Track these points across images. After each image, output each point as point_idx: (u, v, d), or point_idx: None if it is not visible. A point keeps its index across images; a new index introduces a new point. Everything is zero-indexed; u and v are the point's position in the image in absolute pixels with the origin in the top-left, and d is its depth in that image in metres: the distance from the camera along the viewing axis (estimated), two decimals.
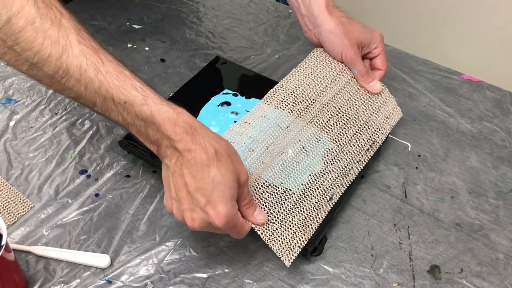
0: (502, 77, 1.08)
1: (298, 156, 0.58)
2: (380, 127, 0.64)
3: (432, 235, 0.57)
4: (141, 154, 0.61)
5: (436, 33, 1.27)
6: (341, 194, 0.58)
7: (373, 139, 0.63)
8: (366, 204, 0.61)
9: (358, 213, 0.60)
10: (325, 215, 0.56)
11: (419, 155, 0.66)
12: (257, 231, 0.51)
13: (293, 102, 0.60)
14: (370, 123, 0.64)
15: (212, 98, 0.69)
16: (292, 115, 0.60)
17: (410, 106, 0.73)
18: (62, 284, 0.53)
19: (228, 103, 0.68)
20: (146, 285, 0.53)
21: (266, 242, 0.51)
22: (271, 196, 0.54)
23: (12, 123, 0.71)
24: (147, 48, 0.84)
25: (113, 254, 0.56)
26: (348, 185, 0.59)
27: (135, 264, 0.55)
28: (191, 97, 0.69)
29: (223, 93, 0.69)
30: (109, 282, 0.53)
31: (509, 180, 0.63)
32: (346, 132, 0.61)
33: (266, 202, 0.53)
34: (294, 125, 0.59)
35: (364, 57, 0.67)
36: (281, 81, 0.63)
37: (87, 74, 0.43)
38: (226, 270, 0.54)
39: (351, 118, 0.63)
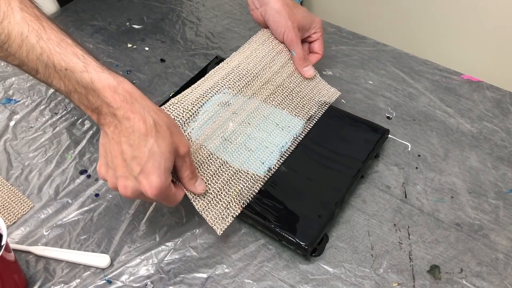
0: (502, 77, 1.08)
1: (238, 129, 0.61)
2: (316, 103, 0.68)
3: (432, 235, 0.57)
4: None
5: (436, 33, 1.26)
6: (279, 164, 0.60)
7: (310, 114, 0.66)
8: (366, 204, 0.61)
9: (358, 213, 0.60)
10: (262, 185, 0.58)
11: (419, 155, 0.66)
12: (192, 202, 0.53)
13: (234, 79, 0.63)
14: (305, 100, 0.67)
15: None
16: (233, 91, 0.62)
17: (410, 106, 0.73)
18: (62, 284, 0.53)
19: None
20: (146, 285, 0.53)
21: (199, 212, 0.53)
22: (210, 168, 0.56)
23: (12, 123, 0.71)
24: (147, 48, 0.84)
25: (113, 254, 0.56)
26: (286, 156, 0.61)
27: (135, 264, 0.55)
28: None
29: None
30: (109, 282, 0.53)
31: (509, 180, 0.63)
32: (283, 105, 0.65)
33: (204, 173, 0.55)
34: (235, 100, 0.62)
35: (304, 41, 0.71)
36: (225, 60, 0.66)
37: (29, 40, 0.44)
38: (226, 270, 0.54)
39: (289, 95, 0.67)
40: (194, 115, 0.57)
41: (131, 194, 0.48)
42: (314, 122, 0.66)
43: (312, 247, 0.53)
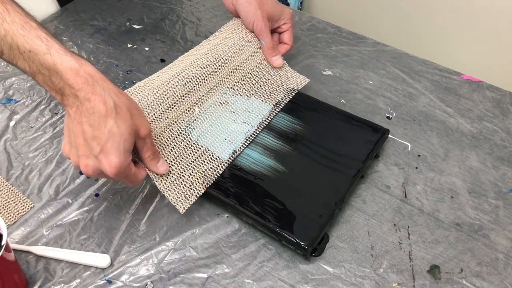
0: (502, 77, 1.08)
1: (204, 113, 0.62)
2: (284, 90, 0.69)
3: (432, 235, 0.57)
4: None
5: (436, 33, 1.27)
6: (244, 147, 0.62)
7: (277, 100, 0.68)
8: (366, 204, 0.61)
9: (358, 213, 0.60)
10: (226, 166, 0.59)
11: (419, 155, 0.66)
12: (155, 182, 0.55)
13: (202, 65, 0.64)
14: (274, 87, 0.69)
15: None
16: (200, 76, 0.63)
17: (410, 106, 0.73)
18: (62, 284, 0.53)
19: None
20: (146, 285, 0.53)
21: (162, 192, 0.55)
22: (174, 150, 0.57)
23: (12, 123, 0.71)
24: (147, 48, 0.84)
25: (113, 254, 0.56)
26: (251, 139, 0.63)
27: (135, 264, 0.55)
28: None
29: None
30: (109, 282, 0.53)
31: (509, 180, 0.63)
32: (251, 92, 0.67)
33: (168, 155, 0.57)
34: (202, 85, 0.63)
35: (274, 31, 0.73)
36: (194, 48, 0.67)
37: None
38: (226, 270, 0.54)
39: (257, 82, 0.68)
40: (159, 99, 0.58)
41: (92, 172, 0.49)
42: (281, 107, 0.67)
43: (312, 247, 0.53)
